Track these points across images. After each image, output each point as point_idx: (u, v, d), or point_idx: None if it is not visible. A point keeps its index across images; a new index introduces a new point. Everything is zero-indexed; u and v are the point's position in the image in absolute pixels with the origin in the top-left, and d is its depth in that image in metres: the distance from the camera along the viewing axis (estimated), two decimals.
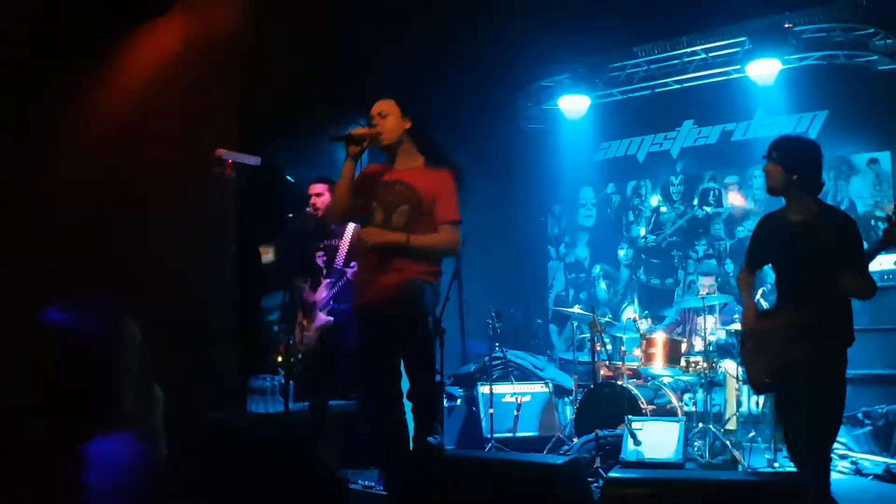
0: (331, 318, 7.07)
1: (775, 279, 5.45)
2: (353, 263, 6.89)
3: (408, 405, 5.59)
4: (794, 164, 5.17)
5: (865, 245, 5.12)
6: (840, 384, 5.09)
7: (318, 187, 7.18)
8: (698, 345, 8.99)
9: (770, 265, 5.48)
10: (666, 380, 9.03)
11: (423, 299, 5.49)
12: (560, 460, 4.54)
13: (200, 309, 7.55)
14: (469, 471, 4.58)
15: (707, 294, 9.01)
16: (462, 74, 10.17)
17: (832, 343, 5.06)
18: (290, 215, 7.41)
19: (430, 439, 5.35)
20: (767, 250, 5.42)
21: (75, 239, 7.27)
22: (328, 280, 7.13)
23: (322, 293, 7.11)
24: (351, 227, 6.93)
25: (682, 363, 8.71)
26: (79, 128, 7.96)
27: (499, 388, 9.22)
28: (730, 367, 8.70)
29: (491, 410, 8.84)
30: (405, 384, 5.63)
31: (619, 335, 9.88)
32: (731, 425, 8.62)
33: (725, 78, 10.95)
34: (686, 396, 9.05)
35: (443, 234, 5.56)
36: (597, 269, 12.79)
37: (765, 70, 10.09)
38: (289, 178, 7.20)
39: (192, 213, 7.57)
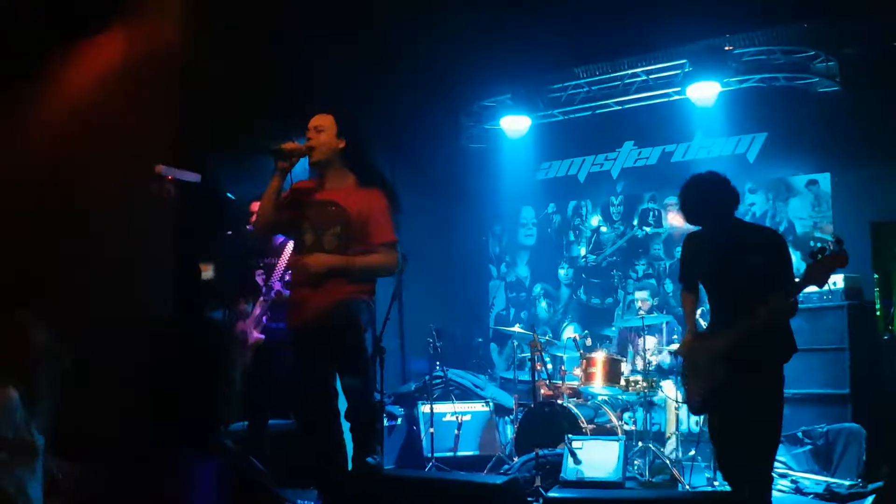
0: (262, 336, 7.00)
1: (707, 299, 5.55)
2: (277, 281, 6.86)
3: (346, 425, 5.53)
4: (692, 213, 5.51)
5: (804, 266, 5.19)
6: (775, 403, 5.18)
7: (259, 205, 7.12)
8: (638, 364, 9.03)
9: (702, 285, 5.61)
10: (606, 399, 9.06)
11: (359, 318, 5.43)
12: (499, 480, 4.53)
13: (139, 325, 7.46)
14: (407, 491, 4.57)
15: (645, 314, 9.06)
16: (404, 93, 10.15)
17: (763, 362, 5.15)
18: (230, 233, 7.35)
19: (369, 459, 5.30)
20: (695, 268, 5.53)
21: (8, 253, 7.16)
22: (263, 298, 7.09)
23: (256, 310, 7.06)
24: (290, 246, 6.87)
25: (622, 382, 8.74)
26: (16, 144, 7.85)
27: (439, 408, 9.20)
28: (668, 386, 8.75)
29: (431, 430, 8.82)
30: (343, 404, 5.58)
31: (559, 354, 9.91)
32: (671, 444, 8.67)
33: (666, 100, 11.06)
34: (626, 415, 9.09)
35: (381, 256, 5.50)
36: (537, 288, 12.84)
37: (704, 92, 10.19)
38: (229, 195, 7.15)
39: (130, 230, 7.48)
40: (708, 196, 5.39)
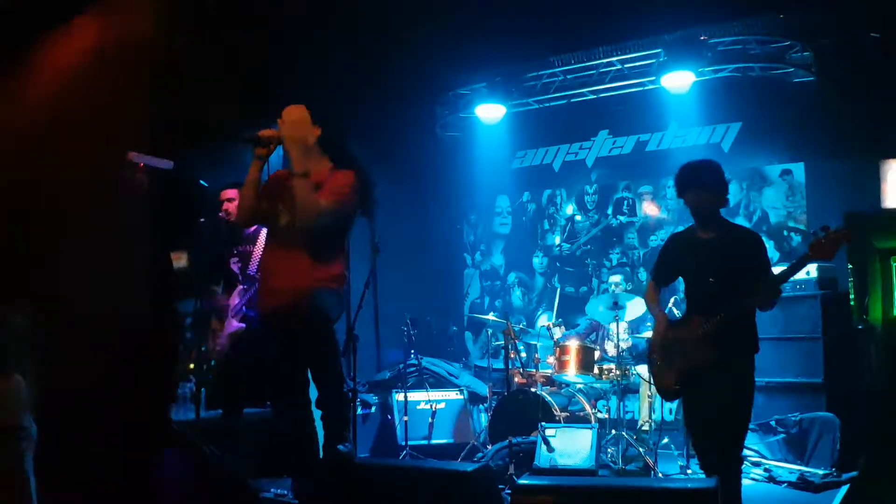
0: (242, 325, 6.97)
1: (685, 291, 5.66)
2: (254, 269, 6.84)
3: (317, 413, 5.52)
4: (720, 188, 5.47)
5: (778, 256, 5.33)
6: (748, 390, 5.31)
7: (231, 192, 7.06)
8: (611, 351, 9.05)
9: (682, 278, 5.71)
10: (580, 387, 9.08)
11: (324, 307, 5.38)
12: (470, 467, 4.52)
13: (110, 315, 7.42)
14: (378, 478, 4.56)
15: (619, 292, 9.10)
16: (380, 82, 10.12)
17: (738, 351, 5.31)
18: (202, 220, 7.30)
19: (340, 447, 5.29)
20: (677, 266, 5.63)
21: None
22: (241, 286, 7.05)
23: (235, 299, 7.02)
24: (264, 233, 6.83)
25: (596, 370, 8.76)
26: None
27: (414, 396, 9.21)
28: (643, 371, 8.77)
29: (406, 418, 8.82)
30: (314, 392, 5.56)
31: (533, 342, 9.92)
32: (645, 431, 8.70)
33: (640, 89, 11.07)
34: (599, 403, 9.11)
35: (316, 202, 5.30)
36: (512, 276, 12.86)
37: (679, 82, 10.20)
38: (202, 182, 7.10)
39: (102, 217, 7.44)
40: (704, 173, 5.47)
